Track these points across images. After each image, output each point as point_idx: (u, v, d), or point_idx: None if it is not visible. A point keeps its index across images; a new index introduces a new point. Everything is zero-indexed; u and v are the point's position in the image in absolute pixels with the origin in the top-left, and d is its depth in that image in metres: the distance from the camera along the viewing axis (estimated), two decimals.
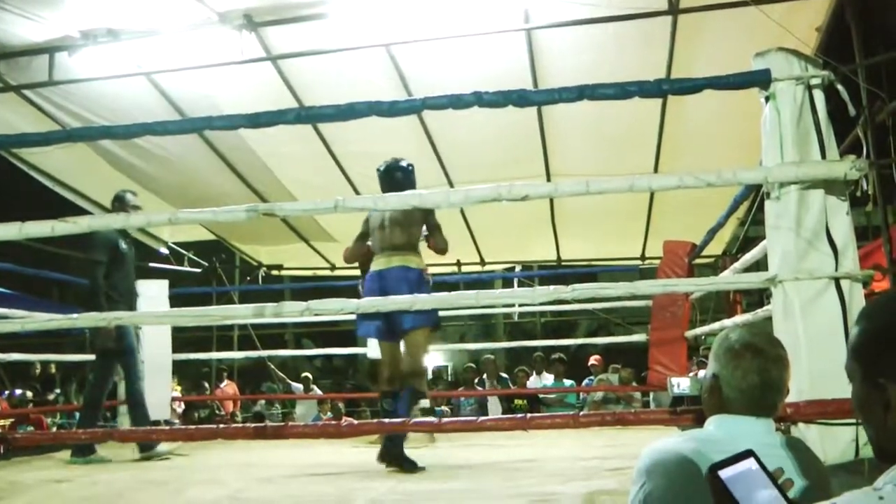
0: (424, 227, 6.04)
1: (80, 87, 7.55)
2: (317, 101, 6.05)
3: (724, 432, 2.12)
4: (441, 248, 6.09)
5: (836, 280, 3.79)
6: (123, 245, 6.96)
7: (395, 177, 5.99)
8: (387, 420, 5.49)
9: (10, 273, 9.41)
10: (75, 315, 5.93)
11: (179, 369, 12.37)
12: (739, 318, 6.65)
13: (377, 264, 5.91)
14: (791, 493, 1.82)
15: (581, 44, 6.96)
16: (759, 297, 13.42)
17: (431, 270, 11.23)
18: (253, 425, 5.48)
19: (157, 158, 8.84)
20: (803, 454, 2.13)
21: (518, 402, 11.15)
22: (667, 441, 2.14)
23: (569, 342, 13.30)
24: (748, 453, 1.72)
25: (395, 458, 5.55)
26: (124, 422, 9.40)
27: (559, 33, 6.86)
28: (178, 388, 13.96)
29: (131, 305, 6.86)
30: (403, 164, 6.12)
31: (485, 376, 11.78)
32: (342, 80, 7.34)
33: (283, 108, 5.11)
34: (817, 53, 5.83)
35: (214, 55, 7.00)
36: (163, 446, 6.73)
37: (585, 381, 11.63)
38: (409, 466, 5.48)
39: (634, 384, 11.02)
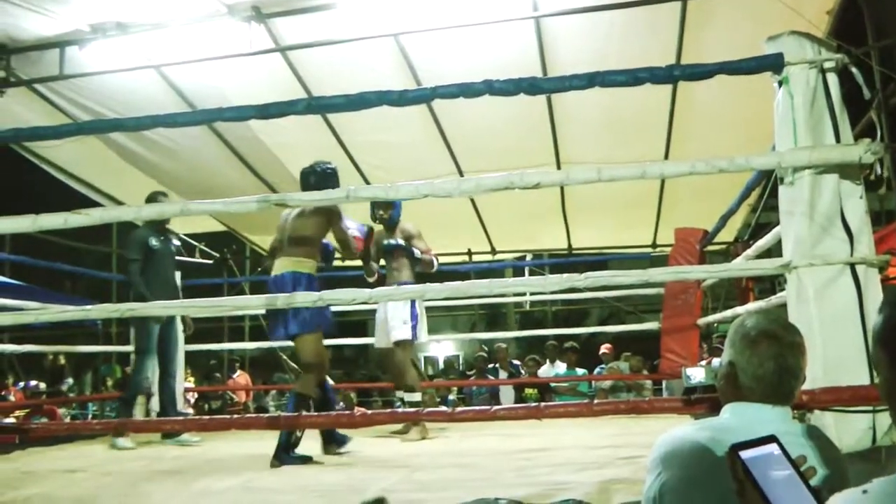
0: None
1: (91, 81, 7.57)
2: (326, 92, 6.04)
3: (740, 420, 2.11)
4: (344, 248, 6.22)
5: (852, 265, 3.76)
6: (155, 242, 7.33)
7: (309, 181, 6.02)
8: (400, 410, 5.51)
9: (21, 265, 9.47)
10: (89, 307, 5.96)
11: (191, 360, 12.37)
12: (752, 306, 6.62)
13: (273, 269, 6.03)
14: (811, 482, 1.81)
15: (590, 31, 6.93)
16: (770, 284, 13.37)
17: (441, 260, 11.26)
18: (266, 415, 5.49)
19: (167, 150, 8.85)
20: (821, 442, 2.11)
21: (529, 391, 11.14)
22: (682, 430, 2.13)
23: (581, 331, 13.25)
24: (771, 438, 1.71)
25: (275, 455, 5.57)
26: (138, 412, 9.46)
27: (568, 21, 6.83)
28: (191, 379, 14.02)
29: (167, 299, 6.92)
30: (320, 168, 6.10)
31: (497, 364, 11.79)
32: (351, 71, 7.33)
33: (292, 98, 5.11)
34: (829, 37, 5.80)
35: (223, 47, 7.00)
36: (125, 440, 6.90)
37: (597, 370, 11.61)
38: (289, 461, 5.51)
39: (645, 372, 10.99)
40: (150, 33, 6.90)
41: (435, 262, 7.41)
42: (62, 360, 15.73)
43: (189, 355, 10.27)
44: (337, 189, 4.45)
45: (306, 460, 5.56)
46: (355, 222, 6.48)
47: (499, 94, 4.29)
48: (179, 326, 8.02)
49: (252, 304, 5.59)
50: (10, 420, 10.16)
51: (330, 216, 5.97)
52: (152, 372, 7.39)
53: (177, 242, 7.67)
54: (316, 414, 5.61)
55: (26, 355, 12.92)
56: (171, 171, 9.32)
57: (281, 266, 5.90)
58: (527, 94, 4.45)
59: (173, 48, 7.15)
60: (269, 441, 6.43)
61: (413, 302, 7.13)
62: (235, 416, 6.22)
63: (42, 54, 7.23)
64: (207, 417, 5.60)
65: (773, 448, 1.69)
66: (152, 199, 7.26)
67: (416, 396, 7.14)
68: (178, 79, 7.79)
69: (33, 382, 13.91)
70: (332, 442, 6.03)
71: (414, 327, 7.14)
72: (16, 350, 9.62)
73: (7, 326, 8.84)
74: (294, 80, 7.58)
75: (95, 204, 9.31)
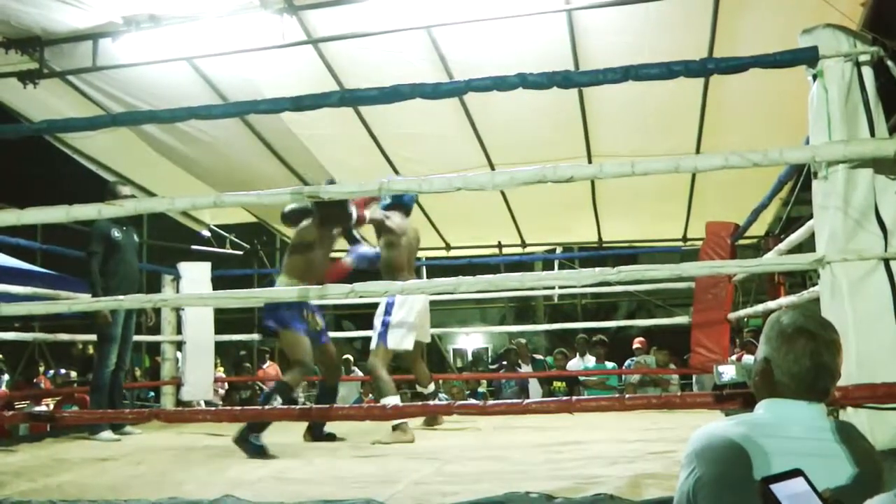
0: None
1: (123, 73, 7.62)
2: (357, 84, 6.05)
3: (775, 417, 2.10)
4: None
5: (886, 261, 3.73)
6: (117, 234, 7.19)
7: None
8: (432, 402, 5.51)
9: (52, 254, 9.57)
10: (121, 297, 6.00)
11: (221, 351, 12.44)
12: (784, 300, 6.59)
13: None
14: (842, 480, 1.82)
15: (622, 24, 6.91)
16: (801, 279, 13.26)
17: (472, 253, 11.26)
18: (298, 407, 5.52)
19: (199, 142, 8.90)
20: (855, 440, 2.10)
21: (557, 384, 11.12)
22: (716, 425, 2.12)
23: (611, 324, 13.21)
24: (798, 472, 1.73)
25: (237, 441, 5.66)
26: (168, 402, 9.54)
27: (600, 14, 6.82)
28: (221, 369, 14.08)
29: (130, 291, 6.93)
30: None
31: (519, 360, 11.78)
32: (383, 63, 7.35)
33: (324, 90, 5.13)
34: (863, 29, 5.74)
35: (256, 39, 7.02)
36: (108, 433, 6.94)
37: (627, 363, 11.58)
38: (251, 451, 5.58)
39: (672, 366, 10.95)
40: (182, 26, 6.94)
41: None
42: (90, 350, 15.88)
43: (219, 346, 10.35)
44: (370, 182, 4.44)
45: (262, 451, 5.59)
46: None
47: (532, 87, 4.27)
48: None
49: (284, 296, 5.60)
50: (42, 408, 10.27)
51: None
52: (119, 359, 7.31)
53: (136, 239, 7.61)
54: (347, 406, 5.63)
55: (57, 344, 13.04)
56: (202, 163, 9.38)
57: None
58: (560, 88, 4.44)
59: (206, 40, 7.18)
60: (299, 432, 6.49)
61: (388, 306, 6.77)
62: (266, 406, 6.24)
63: (75, 46, 7.28)
64: (238, 408, 5.63)
65: (800, 482, 1.71)
66: (110, 190, 7.21)
67: (393, 399, 6.59)
68: (210, 71, 7.83)
69: (63, 371, 14.02)
70: (319, 436, 6.27)
71: (381, 335, 6.74)
72: (46, 338, 9.72)
73: (38, 315, 8.94)
74: (326, 72, 7.60)
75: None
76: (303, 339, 6.16)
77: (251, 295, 6.01)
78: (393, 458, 5.33)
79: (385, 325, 6.76)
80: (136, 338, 10.45)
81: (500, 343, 20.67)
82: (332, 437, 6.49)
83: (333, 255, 6.75)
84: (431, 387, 7.43)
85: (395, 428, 6.34)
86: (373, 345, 6.82)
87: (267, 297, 5.88)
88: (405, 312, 6.77)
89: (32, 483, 4.55)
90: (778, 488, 1.67)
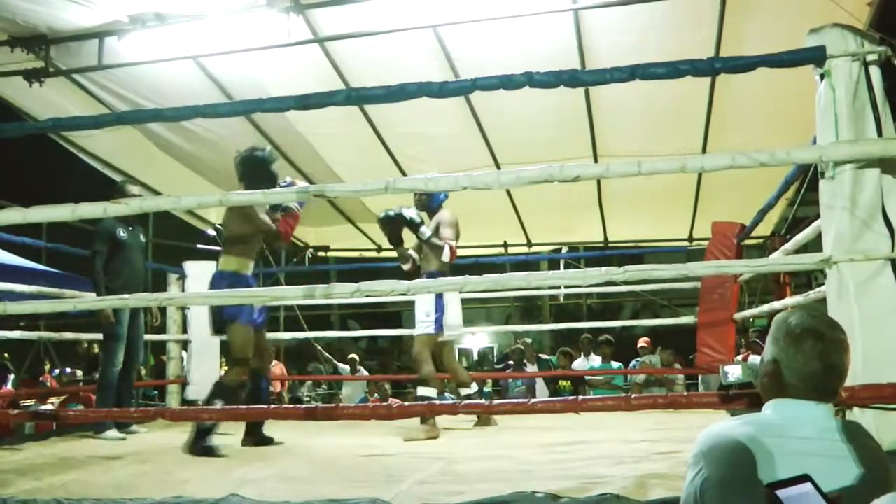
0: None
1: (129, 71, 7.62)
2: (363, 83, 6.04)
3: (782, 417, 2.10)
4: (271, 244, 6.50)
5: (893, 261, 3.72)
6: (122, 233, 7.23)
7: (239, 170, 6.19)
8: (437, 402, 5.50)
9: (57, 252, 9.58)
10: (126, 295, 6.00)
11: (226, 350, 12.37)
12: (790, 301, 6.57)
13: None
14: (850, 480, 1.81)
15: (628, 24, 6.90)
16: (807, 279, 13.23)
17: (477, 252, 11.23)
18: (304, 406, 5.51)
19: (204, 141, 8.89)
20: (862, 440, 2.10)
21: (562, 384, 11.10)
22: (723, 425, 2.12)
23: (616, 324, 13.19)
24: (805, 477, 1.72)
25: (189, 446, 5.68)
26: (173, 401, 9.54)
27: (607, 13, 6.81)
28: (226, 368, 14.07)
29: (136, 290, 6.88)
30: (249, 153, 6.26)
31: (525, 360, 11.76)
32: (389, 62, 7.34)
33: (330, 89, 5.11)
34: (870, 29, 5.73)
35: (261, 38, 7.02)
36: (114, 432, 6.97)
37: (632, 363, 11.57)
38: (202, 451, 5.62)
39: (678, 366, 10.93)
40: (188, 24, 6.93)
41: (446, 252, 6.96)
42: (96, 349, 15.92)
43: (224, 345, 10.33)
44: (376, 181, 4.43)
45: (214, 451, 5.63)
46: (300, 182, 6.47)
47: (539, 86, 4.26)
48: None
49: (290, 295, 5.60)
50: (48, 406, 10.28)
51: (243, 209, 6.00)
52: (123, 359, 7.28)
53: (143, 238, 7.61)
54: (352, 406, 5.62)
55: (62, 343, 13.05)
56: (207, 161, 9.37)
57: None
58: (567, 87, 4.43)
59: (212, 39, 7.18)
60: (303, 431, 6.49)
61: (440, 297, 6.94)
62: (272, 405, 6.24)
63: (81, 45, 7.28)
64: (244, 407, 5.62)
65: (808, 487, 1.71)
66: (119, 189, 7.26)
67: (429, 392, 6.82)
68: (216, 70, 7.82)
69: (69, 369, 14.04)
70: (252, 436, 6.25)
71: (438, 319, 6.92)
72: (52, 337, 9.72)
73: (43, 314, 8.95)
74: (332, 71, 7.59)
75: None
76: (251, 337, 6.13)
77: (255, 294, 6.01)
78: (398, 457, 5.33)
79: (441, 309, 6.95)
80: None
81: (505, 342, 20.69)
82: (269, 441, 6.30)
83: None
84: (474, 387, 7.46)
85: (423, 421, 6.48)
86: (418, 331, 7.04)
87: (274, 297, 5.87)
88: (456, 308, 7.15)
89: (37, 481, 4.55)
90: (784, 493, 1.67)
